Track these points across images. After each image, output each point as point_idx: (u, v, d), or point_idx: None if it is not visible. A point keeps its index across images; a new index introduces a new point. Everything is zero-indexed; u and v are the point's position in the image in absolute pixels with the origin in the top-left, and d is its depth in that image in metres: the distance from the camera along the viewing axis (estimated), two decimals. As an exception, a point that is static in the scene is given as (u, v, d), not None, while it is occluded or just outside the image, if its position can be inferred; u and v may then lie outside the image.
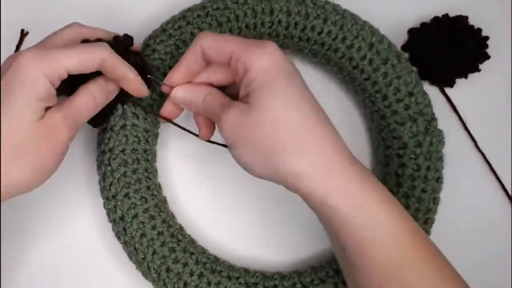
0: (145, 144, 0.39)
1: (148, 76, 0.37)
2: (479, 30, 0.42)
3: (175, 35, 0.39)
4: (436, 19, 0.43)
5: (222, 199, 0.41)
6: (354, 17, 0.40)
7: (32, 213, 0.41)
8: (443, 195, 0.40)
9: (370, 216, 0.30)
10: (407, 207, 0.39)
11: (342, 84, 0.44)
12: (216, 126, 0.36)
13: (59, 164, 0.34)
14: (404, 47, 0.44)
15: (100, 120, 0.38)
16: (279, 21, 0.40)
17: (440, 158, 0.40)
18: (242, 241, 0.41)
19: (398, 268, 0.30)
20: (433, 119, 0.40)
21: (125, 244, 0.38)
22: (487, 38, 0.43)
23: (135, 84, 0.35)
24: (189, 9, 0.41)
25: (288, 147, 0.30)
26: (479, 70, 0.43)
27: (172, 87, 0.35)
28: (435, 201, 0.39)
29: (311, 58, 0.42)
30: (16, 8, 0.43)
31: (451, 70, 0.42)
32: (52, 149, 0.33)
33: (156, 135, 0.40)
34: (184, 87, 0.35)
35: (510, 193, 0.43)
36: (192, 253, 0.38)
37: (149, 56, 0.39)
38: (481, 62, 0.42)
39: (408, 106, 0.40)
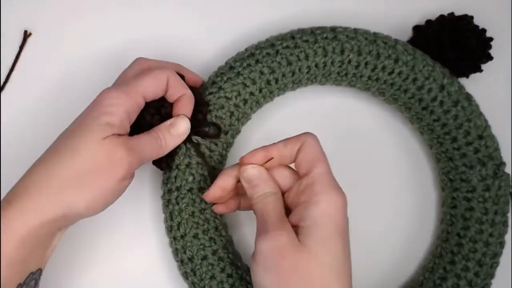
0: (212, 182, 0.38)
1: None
2: (484, 30, 0.42)
3: (244, 73, 0.39)
4: (441, 17, 0.43)
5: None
6: (424, 57, 0.40)
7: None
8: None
9: None
10: (474, 251, 0.38)
11: (408, 123, 0.43)
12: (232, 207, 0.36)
13: (119, 192, 0.33)
14: (408, 44, 0.42)
15: (165, 162, 0.38)
16: (349, 61, 0.39)
17: (507, 202, 0.40)
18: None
19: None
20: (502, 163, 0.40)
21: (193, 285, 0.37)
22: (491, 39, 0.42)
23: (191, 103, 0.36)
24: (257, 47, 0.40)
25: None
26: (481, 71, 0.42)
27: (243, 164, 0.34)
28: (502, 245, 0.39)
29: (378, 96, 0.42)
30: (17, 9, 0.43)
31: (453, 68, 0.41)
32: (112, 174, 0.32)
33: (221, 173, 0.40)
34: (261, 168, 0.34)
35: (510, 193, 0.42)
36: (260, 296, 0.37)
37: (215, 93, 0.39)
38: (484, 63, 0.42)
39: (478, 149, 0.39)
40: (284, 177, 0.34)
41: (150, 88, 0.34)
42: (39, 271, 0.32)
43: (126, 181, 0.33)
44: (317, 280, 0.30)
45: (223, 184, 0.35)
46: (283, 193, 0.34)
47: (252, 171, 0.34)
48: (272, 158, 0.34)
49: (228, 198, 0.36)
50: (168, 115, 0.36)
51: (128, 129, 0.34)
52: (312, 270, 0.30)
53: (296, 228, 0.31)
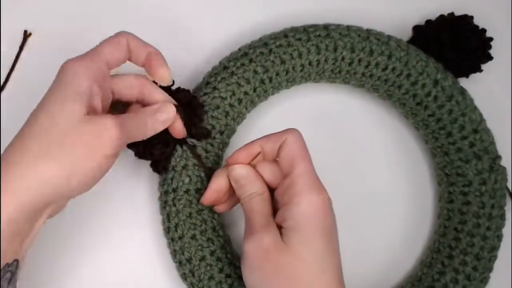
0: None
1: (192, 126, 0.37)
2: (484, 30, 0.42)
3: (238, 73, 0.39)
4: (441, 17, 0.43)
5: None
6: (418, 53, 0.40)
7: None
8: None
9: None
10: (472, 245, 0.39)
11: (403, 119, 0.43)
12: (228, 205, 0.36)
13: (106, 168, 0.31)
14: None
15: (161, 165, 0.38)
16: (343, 58, 0.39)
17: (504, 195, 0.40)
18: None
19: None
20: (497, 156, 0.40)
21: (192, 286, 0.37)
22: (491, 39, 0.42)
23: (162, 58, 0.34)
24: (251, 46, 0.40)
25: None
26: (481, 71, 0.42)
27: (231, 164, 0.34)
28: (499, 238, 0.39)
29: (372, 92, 0.42)
30: (17, 9, 0.43)
31: (452, 68, 0.41)
32: (96, 147, 0.30)
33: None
34: (248, 168, 0.34)
35: (510, 192, 0.42)
36: (259, 295, 0.38)
37: (209, 94, 0.39)
38: (484, 63, 0.42)
39: (473, 143, 0.39)
40: (273, 173, 0.34)
41: (110, 51, 0.32)
42: (16, 262, 0.29)
43: (110, 159, 0.31)
44: (299, 279, 0.30)
45: (217, 186, 0.35)
46: (273, 189, 0.34)
47: (239, 171, 0.34)
48: (259, 152, 0.34)
49: (226, 198, 0.36)
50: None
51: (98, 92, 0.31)
52: (294, 269, 0.30)
53: (280, 228, 0.32)
